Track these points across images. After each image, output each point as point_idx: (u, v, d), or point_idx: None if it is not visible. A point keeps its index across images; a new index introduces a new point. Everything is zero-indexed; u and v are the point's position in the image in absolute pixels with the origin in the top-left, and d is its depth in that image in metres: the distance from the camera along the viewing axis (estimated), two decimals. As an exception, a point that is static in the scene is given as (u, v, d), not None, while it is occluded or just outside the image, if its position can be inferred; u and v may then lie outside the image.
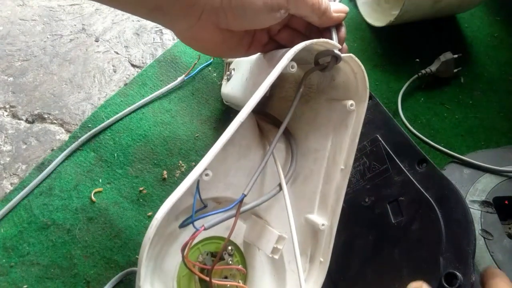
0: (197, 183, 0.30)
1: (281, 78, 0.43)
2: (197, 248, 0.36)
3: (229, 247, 0.36)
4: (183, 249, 0.28)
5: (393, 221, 0.38)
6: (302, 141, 0.40)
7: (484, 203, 0.41)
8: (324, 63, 0.33)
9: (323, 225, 0.36)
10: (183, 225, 0.31)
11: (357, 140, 0.35)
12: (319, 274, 0.36)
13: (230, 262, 0.35)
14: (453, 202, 0.35)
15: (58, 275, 0.47)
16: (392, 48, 0.65)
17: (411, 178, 0.38)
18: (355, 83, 0.35)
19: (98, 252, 0.48)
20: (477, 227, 0.39)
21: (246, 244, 0.38)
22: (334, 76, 0.37)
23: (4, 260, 0.48)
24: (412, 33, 0.65)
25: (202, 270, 0.34)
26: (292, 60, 0.30)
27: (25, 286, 0.46)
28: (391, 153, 0.41)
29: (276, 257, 0.35)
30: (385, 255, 0.37)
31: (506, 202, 0.42)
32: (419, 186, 0.37)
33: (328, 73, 0.37)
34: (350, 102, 0.35)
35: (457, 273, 0.31)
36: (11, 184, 0.53)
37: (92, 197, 0.51)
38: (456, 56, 0.59)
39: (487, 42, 0.66)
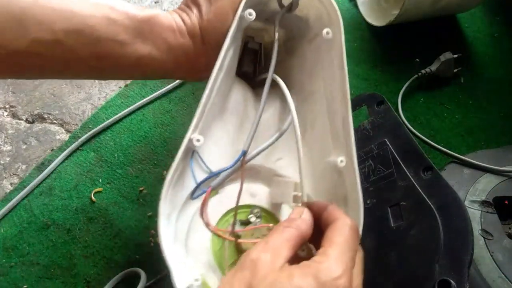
0: (196, 154, 0.32)
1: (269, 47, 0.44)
2: (226, 220, 0.36)
3: (255, 210, 0.36)
4: (201, 214, 0.29)
5: (392, 225, 0.38)
6: (299, 90, 0.41)
7: (484, 203, 0.41)
8: (288, 3, 0.35)
9: (341, 161, 0.35)
10: (194, 195, 0.32)
11: (345, 67, 0.35)
12: (356, 214, 0.34)
13: (258, 223, 0.36)
14: (455, 211, 0.35)
15: (58, 275, 0.47)
16: (392, 48, 0.65)
17: (415, 184, 0.38)
18: (325, 12, 0.36)
19: (98, 252, 0.48)
20: (477, 227, 0.39)
21: (276, 206, 0.38)
22: (308, 15, 0.38)
23: (4, 260, 0.48)
24: (412, 33, 0.65)
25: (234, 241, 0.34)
26: (250, 8, 0.33)
27: (25, 286, 0.46)
28: (397, 158, 0.41)
29: (300, 205, 0.34)
30: (380, 258, 0.37)
31: (506, 202, 0.42)
32: (422, 193, 0.37)
33: (302, 15, 0.38)
34: (326, 30, 0.36)
35: (451, 281, 0.31)
36: (11, 184, 0.53)
37: (92, 197, 0.51)
38: (456, 56, 0.58)
39: (487, 42, 0.66)
